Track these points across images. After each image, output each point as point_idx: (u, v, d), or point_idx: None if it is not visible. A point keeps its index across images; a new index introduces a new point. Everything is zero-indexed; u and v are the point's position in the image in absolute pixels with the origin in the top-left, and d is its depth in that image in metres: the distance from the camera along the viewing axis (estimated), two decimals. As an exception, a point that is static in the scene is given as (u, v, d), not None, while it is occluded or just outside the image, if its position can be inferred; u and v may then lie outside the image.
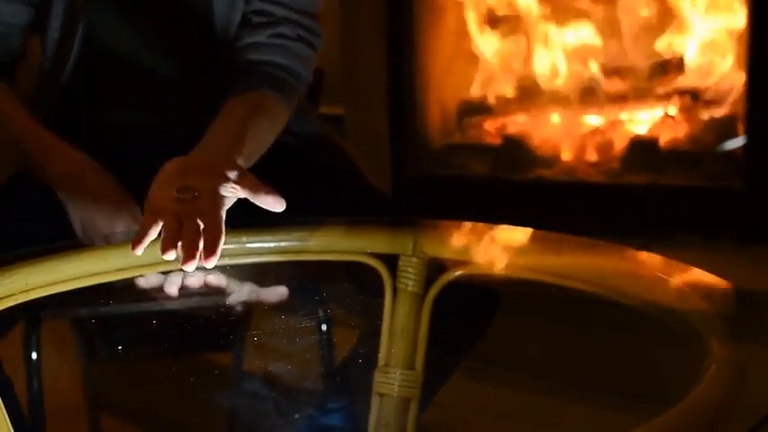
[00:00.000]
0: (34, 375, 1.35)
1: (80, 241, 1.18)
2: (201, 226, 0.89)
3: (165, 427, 1.53)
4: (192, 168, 0.98)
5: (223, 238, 0.89)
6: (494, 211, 2.68)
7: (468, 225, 1.19)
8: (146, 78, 1.37)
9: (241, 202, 1.25)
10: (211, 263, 0.86)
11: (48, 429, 1.34)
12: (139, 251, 0.88)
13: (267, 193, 0.93)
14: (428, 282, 1.08)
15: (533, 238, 1.13)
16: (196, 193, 0.93)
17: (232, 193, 0.95)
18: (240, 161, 1.06)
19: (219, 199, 0.93)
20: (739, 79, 2.55)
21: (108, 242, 1.08)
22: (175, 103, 1.38)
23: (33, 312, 1.31)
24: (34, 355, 1.34)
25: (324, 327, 1.32)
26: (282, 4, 1.34)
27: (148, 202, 0.94)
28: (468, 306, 1.18)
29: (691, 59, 2.69)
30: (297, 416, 1.13)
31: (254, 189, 0.94)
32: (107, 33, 1.35)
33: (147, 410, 1.56)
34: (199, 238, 0.87)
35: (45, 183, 1.24)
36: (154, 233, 0.89)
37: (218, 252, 0.87)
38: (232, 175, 0.97)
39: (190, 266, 0.85)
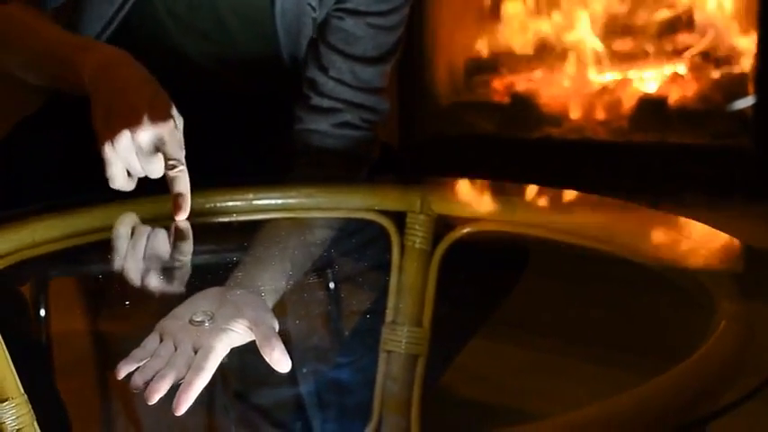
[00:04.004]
0: (42, 332, 1.35)
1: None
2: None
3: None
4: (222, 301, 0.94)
5: (203, 384, 0.83)
6: (502, 170, 2.68)
7: (475, 183, 1.18)
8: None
9: (248, 157, 1.24)
10: (181, 409, 0.81)
11: (56, 385, 1.34)
12: (122, 373, 0.85)
13: (274, 348, 0.89)
14: (436, 239, 1.08)
15: (541, 196, 1.13)
16: (207, 324, 0.90)
17: (243, 331, 0.90)
18: (271, 300, 0.99)
19: (226, 337, 0.89)
20: (749, 38, 2.53)
21: (132, 133, 0.99)
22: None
23: (41, 268, 1.31)
24: (42, 312, 1.34)
25: (332, 284, 1.32)
26: (347, 85, 1.25)
27: (164, 320, 0.92)
28: (494, 266, 1.17)
29: (700, 18, 2.67)
30: (305, 370, 1.13)
31: (265, 339, 0.88)
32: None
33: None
34: (178, 372, 0.84)
35: (77, 89, 1.12)
36: (147, 354, 0.86)
37: (192, 398, 0.82)
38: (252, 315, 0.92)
39: (151, 400, 0.81)
